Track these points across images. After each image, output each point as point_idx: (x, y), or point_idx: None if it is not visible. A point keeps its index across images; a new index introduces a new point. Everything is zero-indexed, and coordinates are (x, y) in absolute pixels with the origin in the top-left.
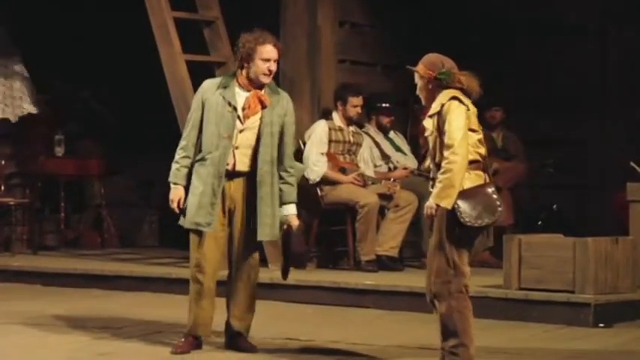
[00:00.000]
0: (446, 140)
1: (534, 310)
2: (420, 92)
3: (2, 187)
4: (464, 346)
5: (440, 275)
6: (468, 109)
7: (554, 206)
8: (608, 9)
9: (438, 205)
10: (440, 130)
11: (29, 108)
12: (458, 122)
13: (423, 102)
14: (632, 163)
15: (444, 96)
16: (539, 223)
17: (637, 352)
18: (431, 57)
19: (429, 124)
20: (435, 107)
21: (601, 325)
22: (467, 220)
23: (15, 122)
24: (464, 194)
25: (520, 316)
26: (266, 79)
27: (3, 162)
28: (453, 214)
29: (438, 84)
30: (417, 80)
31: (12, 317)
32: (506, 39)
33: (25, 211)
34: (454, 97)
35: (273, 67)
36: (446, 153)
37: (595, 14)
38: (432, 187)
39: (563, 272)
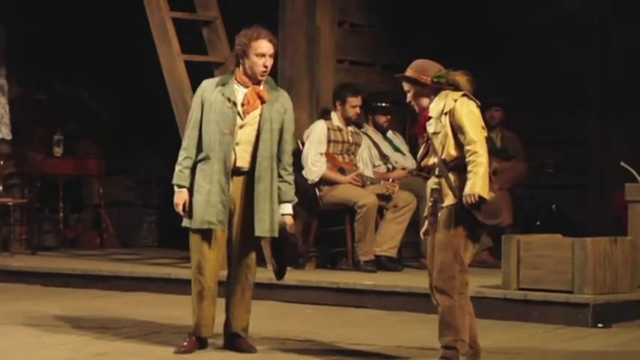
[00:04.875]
0: (467, 136)
1: (533, 310)
2: (413, 99)
3: (1, 187)
4: (462, 341)
5: (444, 271)
6: (478, 106)
7: (553, 206)
8: (609, 9)
9: (479, 196)
10: (453, 127)
11: (4, 132)
12: (474, 117)
13: (417, 109)
14: (622, 164)
15: (449, 95)
16: (538, 223)
17: (636, 352)
18: (421, 62)
19: (437, 124)
20: (446, 106)
21: (600, 325)
22: (482, 218)
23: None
24: None
25: (519, 317)
26: (262, 75)
27: (2, 162)
28: (465, 211)
29: (434, 87)
30: (408, 88)
31: (11, 317)
32: (506, 39)
33: (24, 211)
34: (464, 95)
35: (269, 62)
36: (470, 147)
37: (595, 14)
38: (437, 185)
39: (562, 272)
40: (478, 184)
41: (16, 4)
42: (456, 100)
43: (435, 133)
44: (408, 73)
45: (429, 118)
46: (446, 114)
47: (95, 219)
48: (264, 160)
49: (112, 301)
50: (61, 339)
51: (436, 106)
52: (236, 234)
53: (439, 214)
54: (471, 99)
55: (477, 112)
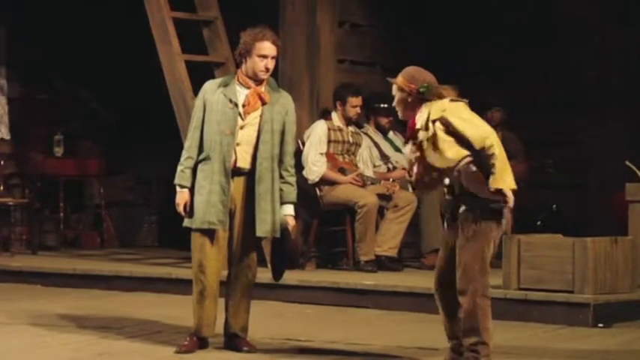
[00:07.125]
0: (471, 140)
1: (534, 310)
2: (397, 105)
3: (2, 187)
4: (484, 343)
5: (466, 273)
6: (466, 103)
7: (554, 206)
8: (609, 9)
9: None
10: (452, 133)
11: (3, 132)
12: (466, 114)
13: (400, 115)
14: (627, 162)
15: (434, 105)
16: (539, 223)
17: (637, 352)
18: (411, 70)
19: (424, 133)
20: (432, 114)
21: (600, 325)
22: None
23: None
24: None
25: (519, 316)
26: (263, 75)
27: (2, 162)
28: (489, 212)
29: (419, 97)
30: (395, 92)
31: (12, 317)
32: (506, 39)
33: (24, 211)
34: (450, 101)
35: (270, 64)
36: (480, 145)
37: (595, 14)
38: (448, 194)
39: (563, 272)
40: (498, 182)
41: (16, 5)
42: (444, 110)
43: (425, 141)
44: (398, 78)
45: (418, 130)
46: (434, 122)
47: (95, 219)
48: (265, 161)
49: (112, 301)
50: (62, 339)
51: (421, 116)
52: (237, 234)
53: (457, 218)
54: (456, 101)
55: (465, 109)
